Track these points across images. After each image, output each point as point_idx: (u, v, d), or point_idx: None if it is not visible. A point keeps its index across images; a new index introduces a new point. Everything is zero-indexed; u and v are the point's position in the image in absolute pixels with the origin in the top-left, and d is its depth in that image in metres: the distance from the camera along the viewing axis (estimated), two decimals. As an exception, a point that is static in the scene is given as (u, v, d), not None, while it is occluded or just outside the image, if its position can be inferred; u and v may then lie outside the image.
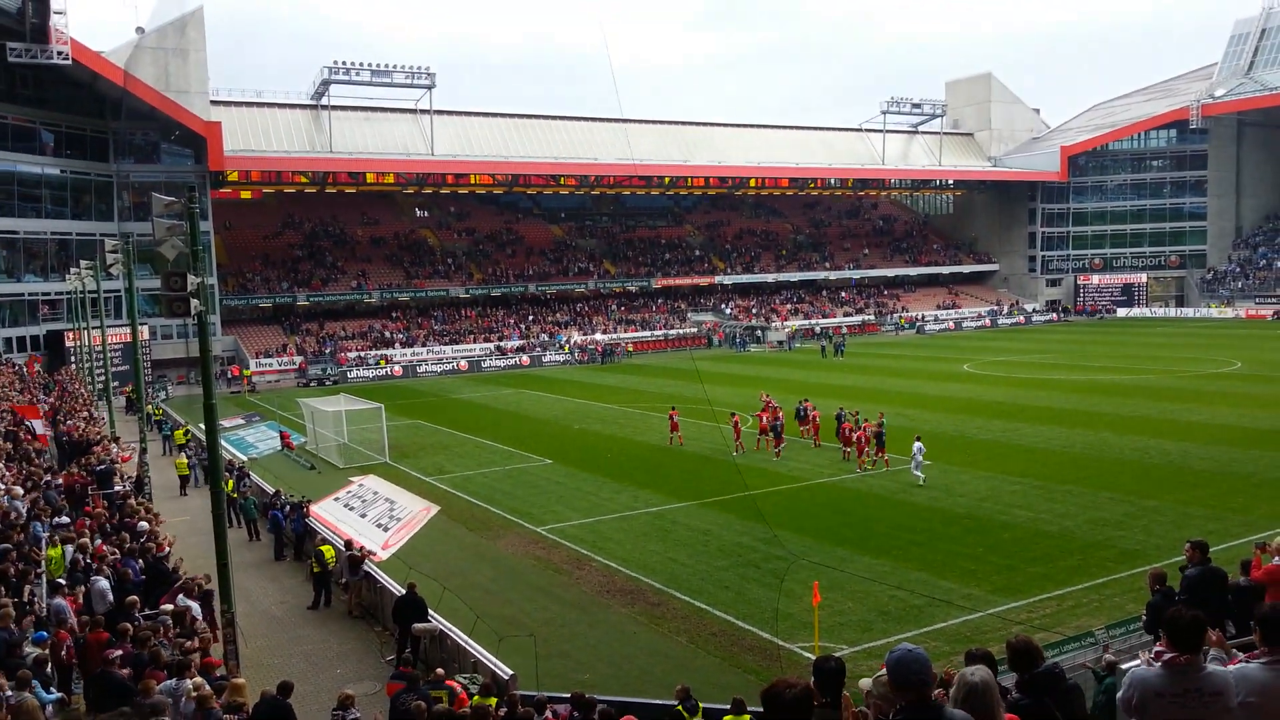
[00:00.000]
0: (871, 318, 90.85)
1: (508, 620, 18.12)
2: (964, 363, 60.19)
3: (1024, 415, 39.02)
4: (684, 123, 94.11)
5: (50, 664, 12.70)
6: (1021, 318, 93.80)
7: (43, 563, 16.77)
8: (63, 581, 15.68)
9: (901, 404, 42.49)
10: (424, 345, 73.87)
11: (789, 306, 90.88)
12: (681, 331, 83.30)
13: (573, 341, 77.05)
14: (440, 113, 79.47)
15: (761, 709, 4.01)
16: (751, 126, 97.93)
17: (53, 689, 12.22)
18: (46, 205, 59.24)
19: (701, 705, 12.40)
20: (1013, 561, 20.64)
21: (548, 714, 12.53)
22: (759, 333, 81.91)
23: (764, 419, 34.15)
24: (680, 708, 12.24)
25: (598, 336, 78.44)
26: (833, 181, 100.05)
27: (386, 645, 17.79)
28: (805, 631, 16.54)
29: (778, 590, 18.80)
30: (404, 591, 17.42)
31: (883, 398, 43.86)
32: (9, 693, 9.85)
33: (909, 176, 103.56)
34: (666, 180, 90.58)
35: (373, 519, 25.70)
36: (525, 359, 73.07)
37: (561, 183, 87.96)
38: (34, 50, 49.89)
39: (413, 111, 79.96)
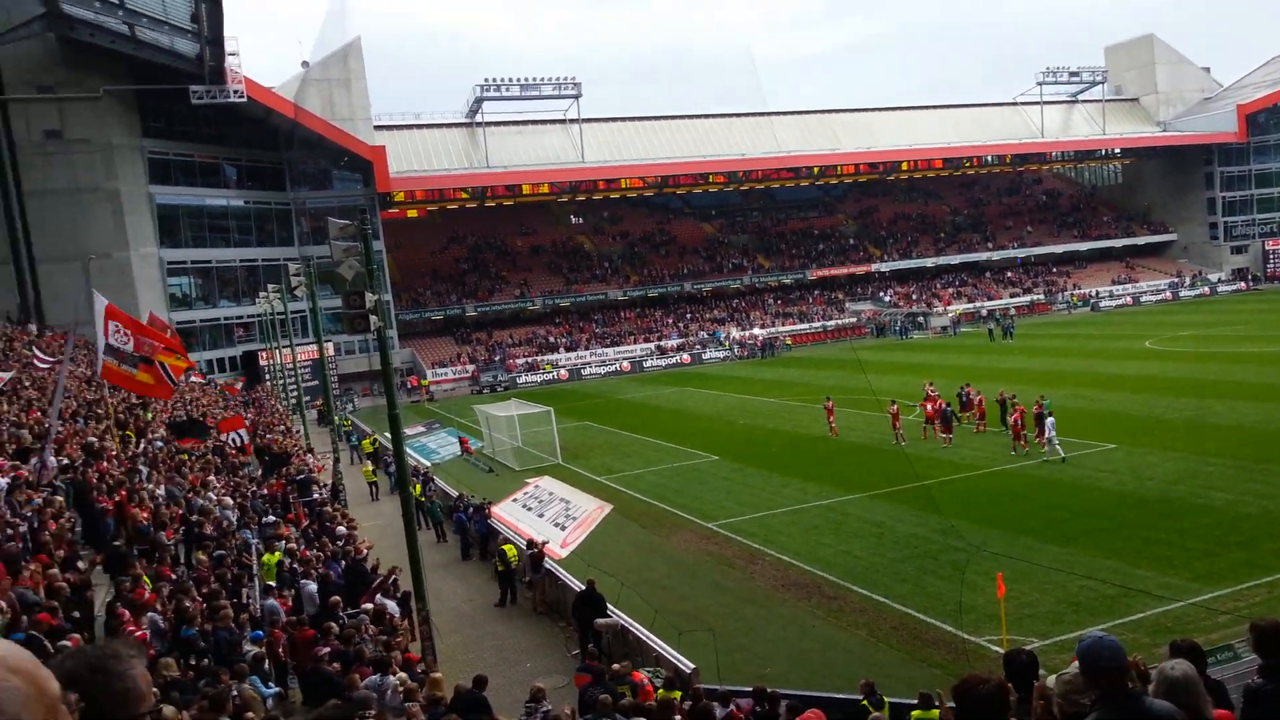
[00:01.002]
0: (1041, 297, 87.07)
1: (685, 615, 18.41)
2: (1145, 339, 56.95)
3: (1216, 391, 36.64)
4: (829, 111, 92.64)
5: (267, 661, 13.80)
6: (1206, 289, 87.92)
7: (254, 567, 18.17)
8: (273, 584, 16.95)
9: (1078, 385, 40.64)
10: (586, 348, 75.49)
11: (951, 290, 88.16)
12: (840, 322, 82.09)
13: (732, 337, 77.12)
14: (588, 120, 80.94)
15: (952, 704, 3.93)
16: (899, 109, 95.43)
17: (270, 684, 13.25)
18: (234, 235, 63.67)
19: (886, 700, 12.32)
20: (1212, 547, 19.49)
21: (731, 707, 12.68)
22: (921, 319, 79.83)
23: (929, 408, 33.38)
24: (865, 702, 12.19)
25: (756, 331, 78.24)
26: (989, 159, 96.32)
27: (571, 640, 18.36)
28: (991, 624, 16.14)
29: (959, 582, 18.39)
30: (583, 588, 17.99)
31: (1057, 380, 42.06)
32: (233, 689, 10.65)
33: (1071, 148, 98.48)
34: (815, 170, 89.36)
35: (550, 518, 26.56)
36: (685, 357, 73.62)
37: (710, 181, 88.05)
38: (213, 91, 53.65)
39: (562, 121, 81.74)
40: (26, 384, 27.34)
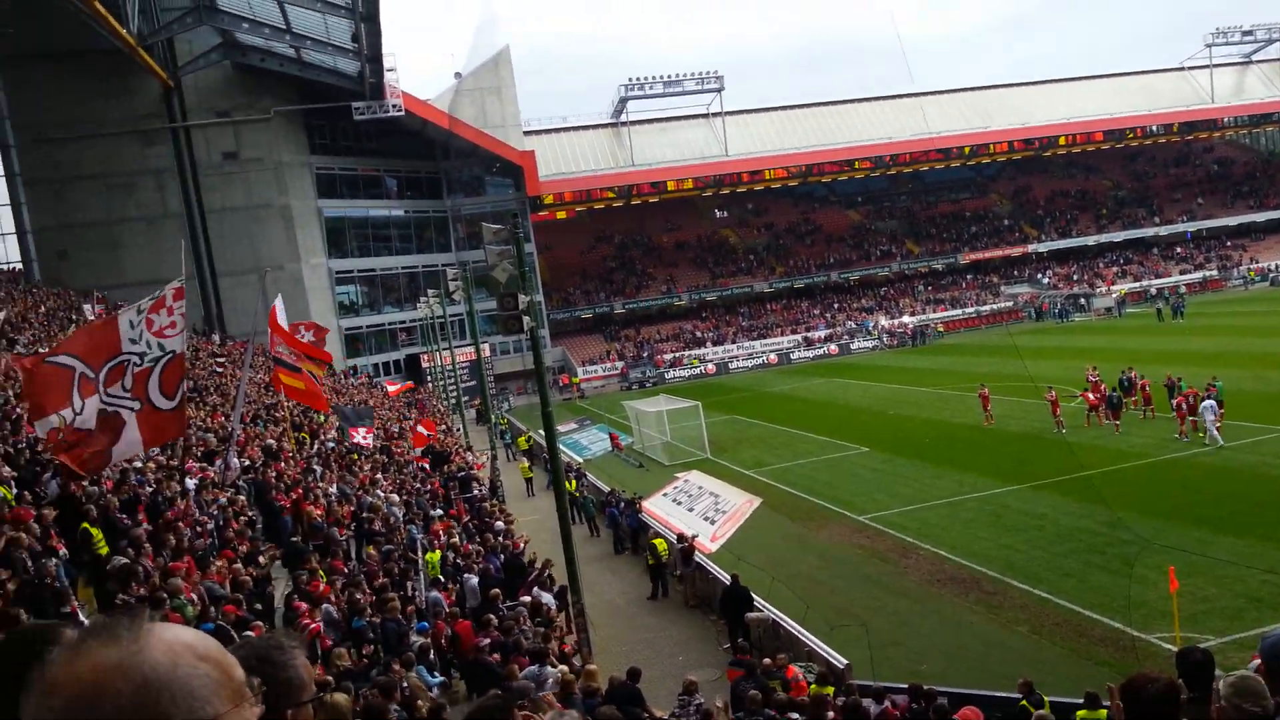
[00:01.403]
0: (1214, 273, 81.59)
1: (837, 609, 18.28)
2: (1337, 315, 52.75)
3: None
4: (979, 88, 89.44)
5: (432, 651, 14.49)
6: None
7: (419, 561, 19.08)
8: (441, 579, 17.77)
9: (1257, 366, 37.94)
10: (733, 342, 75.46)
11: (1115, 269, 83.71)
12: (995, 307, 79.23)
13: (880, 326, 75.61)
14: (731, 113, 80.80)
15: (1121, 704, 3.84)
16: (1054, 82, 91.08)
17: (436, 673, 13.91)
18: (395, 243, 66.67)
19: (1047, 699, 11.96)
20: None
21: (886, 704, 12.57)
22: (1083, 301, 76.21)
23: (1091, 395, 31.92)
24: (1024, 702, 11.88)
25: (905, 319, 76.45)
26: (1154, 129, 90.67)
27: (722, 634, 18.50)
28: (1162, 621, 15.39)
29: (1127, 577, 17.58)
30: (730, 583, 18.12)
31: (1233, 361, 39.37)
32: (402, 678, 11.23)
33: (1246, 112, 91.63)
34: (966, 150, 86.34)
35: (699, 512, 26.76)
36: (833, 348, 72.62)
37: (856, 167, 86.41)
38: (373, 107, 56.25)
39: (705, 116, 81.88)
40: (212, 390, 29.43)
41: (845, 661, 14.75)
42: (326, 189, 61.17)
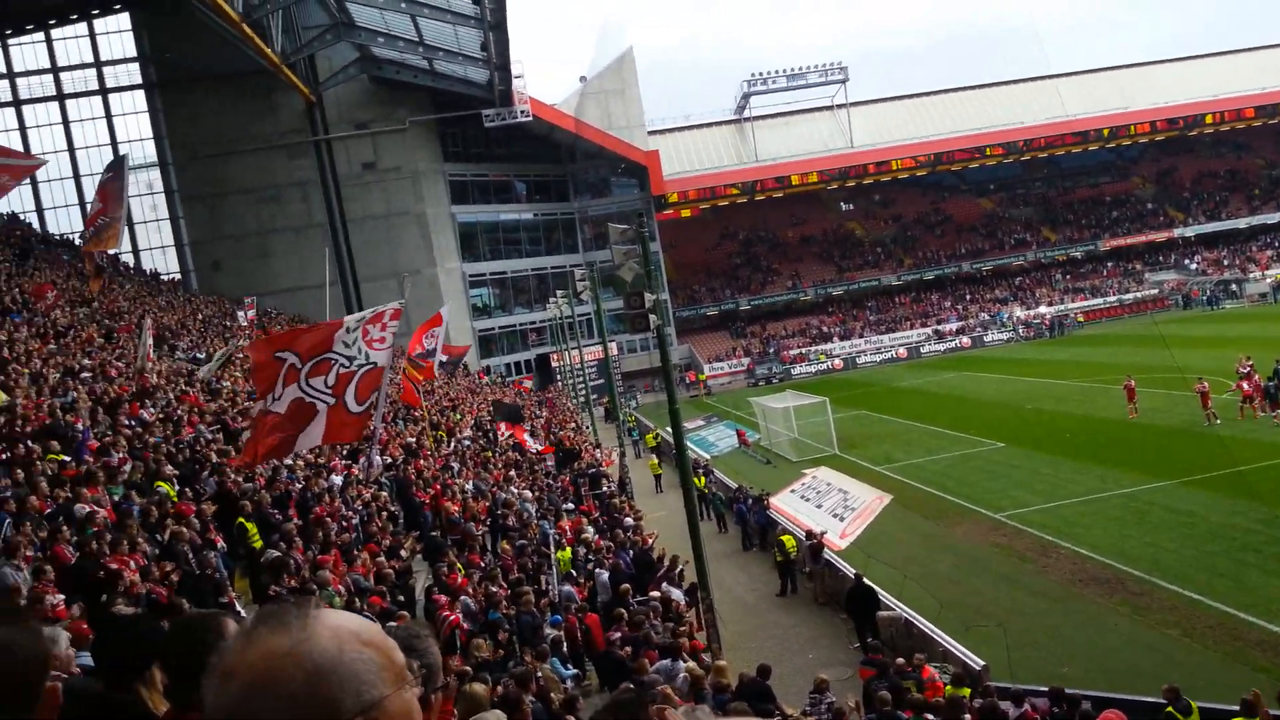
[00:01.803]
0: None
1: (973, 609, 17.87)
2: None
3: None
4: (1118, 67, 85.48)
5: (565, 644, 14.84)
6: None
7: (552, 555, 19.53)
8: (573, 573, 18.16)
9: None
10: (861, 336, 74.30)
11: (1270, 253, 78.59)
12: (1139, 295, 75.57)
13: (1015, 317, 73.15)
14: (856, 104, 79.62)
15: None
16: (1198, 58, 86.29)
17: (569, 665, 14.24)
18: (525, 246, 68.15)
19: (1196, 705, 11.43)
20: None
21: (1025, 707, 12.26)
22: (1234, 286, 71.93)
23: (1245, 385, 30.14)
24: (1170, 708, 11.41)
25: (1042, 310, 73.74)
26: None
27: (853, 632, 18.35)
28: (1326, 625, 14.56)
29: (1286, 577, 16.69)
30: (854, 581, 17.93)
31: None
32: (536, 669, 11.55)
33: None
34: (1105, 132, 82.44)
35: (828, 509, 26.49)
36: (966, 340, 70.67)
37: (988, 153, 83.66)
38: (503, 113, 57.62)
39: (829, 108, 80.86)
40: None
41: (982, 663, 14.43)
42: (459, 195, 63.00)
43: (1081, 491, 25.37)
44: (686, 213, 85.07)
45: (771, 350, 73.51)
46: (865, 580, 17.69)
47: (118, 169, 33.09)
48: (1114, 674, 14.58)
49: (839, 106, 79.78)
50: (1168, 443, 29.08)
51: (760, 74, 76.73)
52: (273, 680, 1.21)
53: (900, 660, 14.40)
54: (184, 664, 2.68)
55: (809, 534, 21.80)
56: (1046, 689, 12.52)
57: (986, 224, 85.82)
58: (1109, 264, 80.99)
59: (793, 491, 28.44)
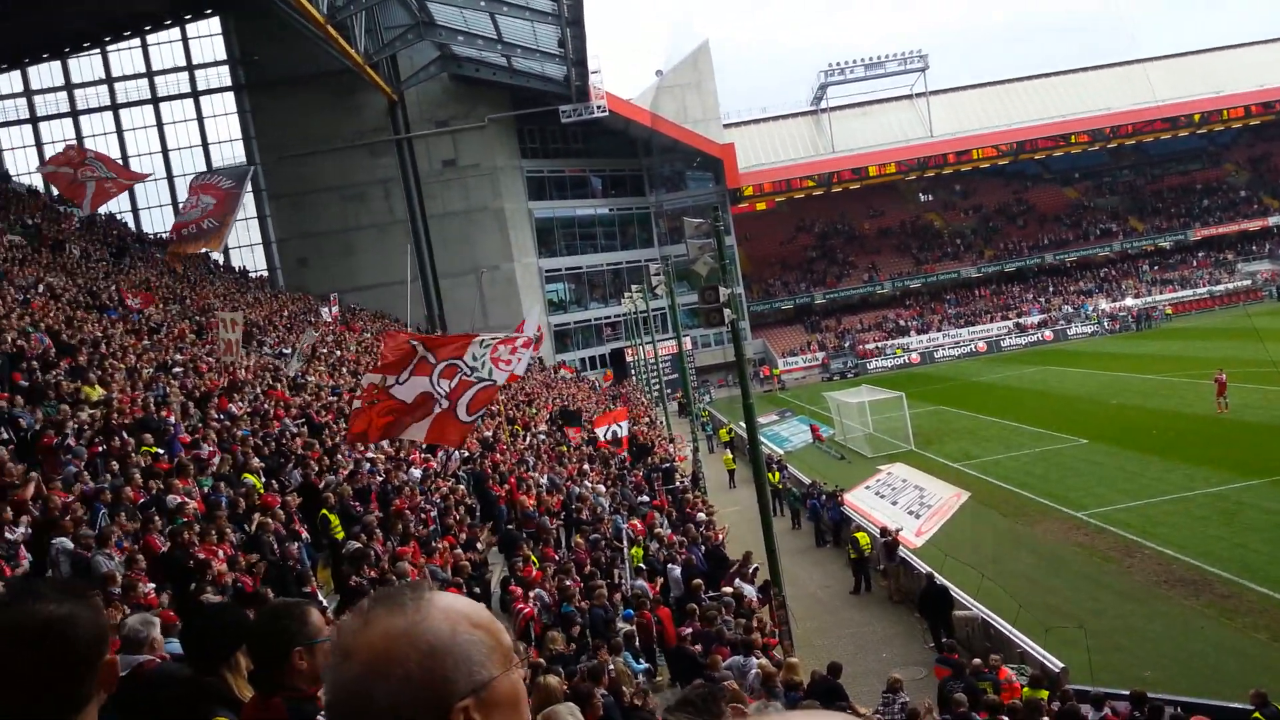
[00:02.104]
0: None
1: (1053, 610, 17.54)
2: None
3: None
4: (1209, 49, 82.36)
5: (638, 638, 14.99)
6: None
7: (625, 550, 19.71)
8: (643, 567, 18.31)
9: None
10: (939, 330, 73.10)
11: (1377, 243, 75.14)
12: (1231, 286, 72.83)
13: (1100, 310, 71.20)
14: (935, 93, 78.30)
15: None
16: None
17: (641, 660, 14.38)
18: (600, 241, 68.55)
19: (1286, 711, 11.15)
20: None
21: (1106, 711, 12.06)
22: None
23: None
24: (1257, 714, 11.11)
25: (1128, 302, 71.62)
26: None
27: (928, 632, 18.17)
28: None
29: (1385, 582, 16.06)
30: (926, 581, 17.73)
31: None
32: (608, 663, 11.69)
33: None
34: (1196, 118, 79.35)
35: (904, 506, 26.25)
36: (1048, 334, 69.08)
37: (1072, 141, 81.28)
38: (579, 109, 58.01)
39: (908, 97, 79.66)
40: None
41: (1061, 665, 14.20)
42: (536, 191, 63.68)
43: (1167, 490, 24.72)
44: (762, 206, 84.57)
45: (847, 344, 72.77)
46: (938, 579, 17.49)
47: (240, 179, 34.62)
48: (1199, 678, 14.26)
49: (918, 95, 78.53)
50: (1260, 440, 28.03)
51: (837, 64, 76.09)
52: (389, 660, 1.27)
53: (977, 661, 14.27)
54: (268, 650, 2.87)
55: (884, 531, 21.65)
56: (1128, 693, 12.32)
57: (1071, 214, 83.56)
58: (1199, 254, 78.20)
59: (867, 488, 28.22)
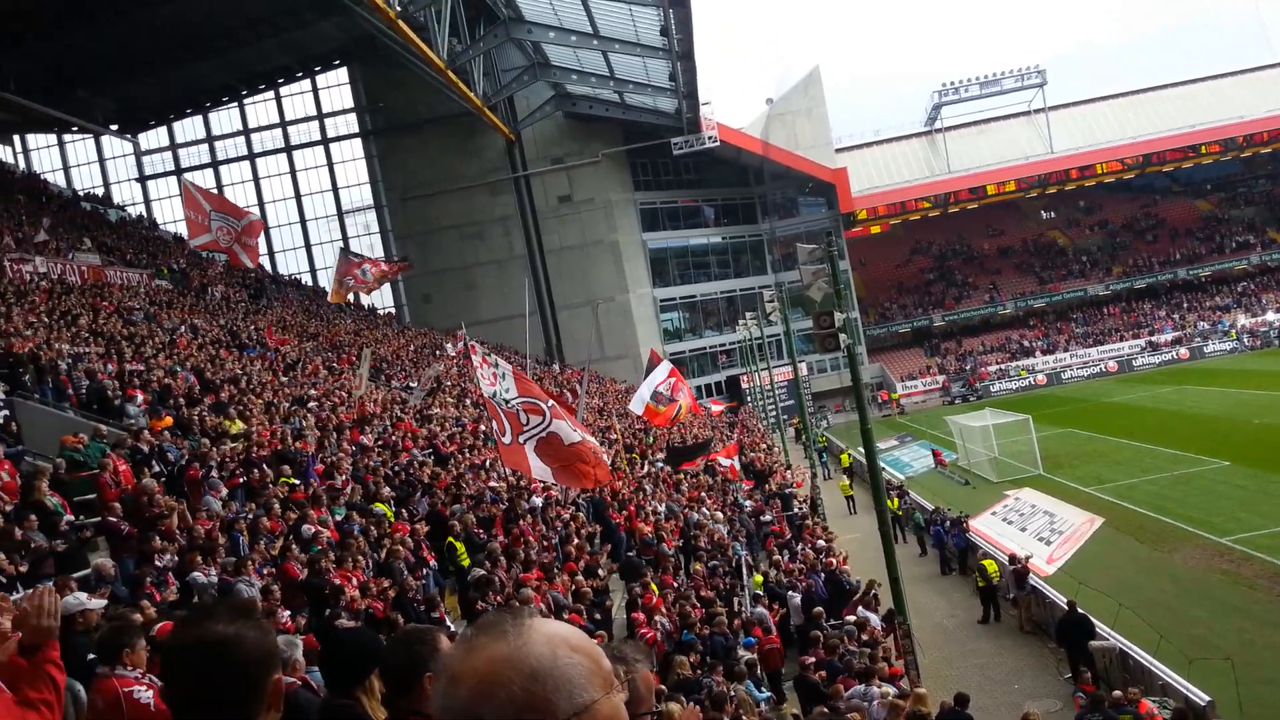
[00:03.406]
0: None
1: (1196, 641, 16.73)
2: None
3: None
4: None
5: (759, 666, 14.96)
6: None
7: (744, 577, 19.70)
8: (762, 594, 18.27)
9: None
10: (1066, 350, 70.65)
11: None
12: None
13: (1240, 325, 67.64)
14: (1055, 108, 76.14)
15: None
16: None
17: (763, 688, 14.34)
18: (713, 269, 68.83)
19: None
20: None
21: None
22: None
23: None
24: None
25: (1270, 316, 67.78)
26: None
27: (1063, 662, 17.55)
28: None
29: None
30: (1066, 610, 17.12)
31: None
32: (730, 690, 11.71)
33: None
34: (1337, 122, 75.09)
35: (1033, 532, 25.53)
36: (1183, 351, 65.95)
37: (1203, 151, 77.66)
38: (691, 140, 58.61)
39: (1026, 114, 77.72)
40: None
41: (1207, 698, 13.54)
42: (650, 222, 64.49)
43: (1321, 515, 23.31)
44: (876, 229, 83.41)
45: (968, 367, 70.95)
46: (1078, 609, 16.86)
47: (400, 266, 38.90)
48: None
49: (1037, 111, 76.47)
50: None
51: (951, 83, 74.79)
52: (494, 683, 1.32)
53: (1117, 693, 13.74)
54: (400, 675, 2.99)
55: (1012, 558, 21.03)
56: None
57: (1204, 227, 79.78)
58: (1350, 265, 73.62)
59: (994, 514, 27.54)
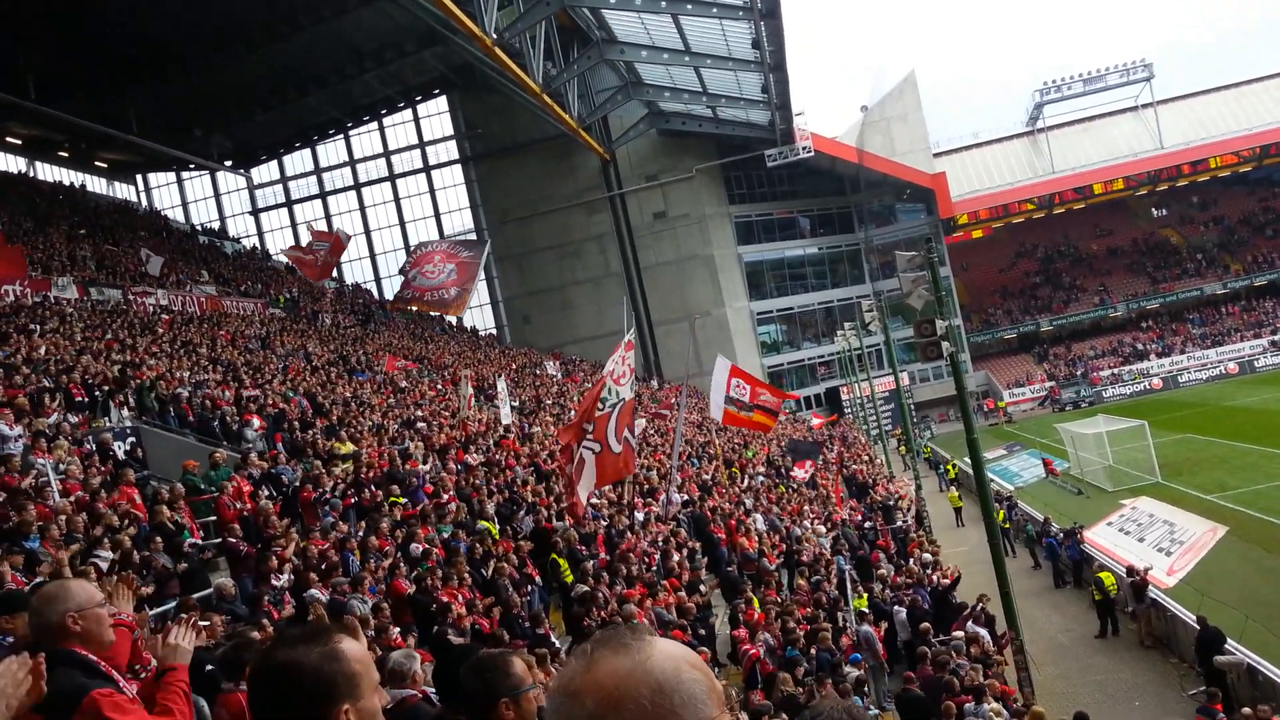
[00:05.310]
0: None
1: (1332, 655, 15.91)
2: None
3: None
4: None
5: (868, 683, 14.78)
6: None
7: (849, 591, 19.46)
8: (866, 611, 18.01)
9: None
10: (1182, 352, 67.85)
11: None
12: None
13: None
14: (1163, 102, 73.43)
15: None
16: None
17: (871, 706, 14.16)
18: (810, 280, 68.25)
19: None
20: None
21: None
22: None
23: None
24: None
25: None
26: None
27: (1186, 678, 16.88)
28: None
29: None
30: (1199, 625, 16.44)
31: None
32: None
33: None
34: None
35: (1151, 543, 24.61)
36: (1312, 350, 62.75)
37: (1326, 140, 74.00)
38: (784, 152, 58.34)
39: (1133, 109, 75.17)
40: (652, 431, 32.16)
41: (1341, 715, 12.88)
42: (745, 236, 64.34)
43: None
44: (978, 233, 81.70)
45: (1079, 372, 68.68)
46: (1209, 624, 16.14)
47: (478, 250, 38.19)
48: None
49: (1144, 106, 73.89)
50: None
51: (1053, 81, 72.91)
52: (622, 697, 1.32)
53: (1246, 711, 13.16)
54: (474, 703, 3.06)
55: (1130, 570, 20.28)
56: None
57: (1331, 218, 75.79)
58: None
59: (1110, 524, 26.64)
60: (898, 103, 68.84)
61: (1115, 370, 67.46)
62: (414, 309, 42.47)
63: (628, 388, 15.45)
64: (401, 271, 43.20)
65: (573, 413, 14.51)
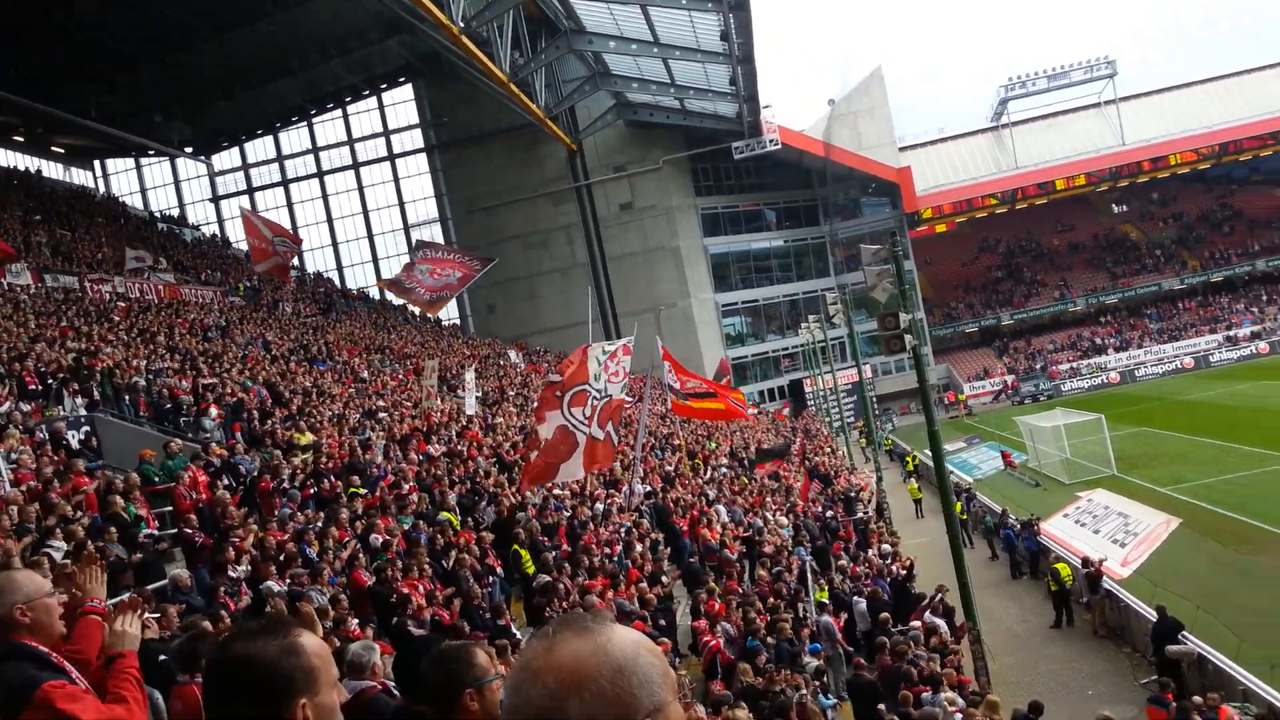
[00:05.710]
0: None
1: None
2: None
3: None
4: None
5: (827, 673, 14.90)
6: None
7: (809, 583, 19.60)
8: (826, 602, 18.14)
9: None
10: (1140, 347, 68.87)
11: None
12: None
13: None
14: (1126, 99, 74.32)
15: None
16: None
17: (830, 695, 14.29)
18: (775, 273, 68.49)
19: None
20: None
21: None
22: None
23: None
24: None
25: (1360, 308, 65.39)
26: None
27: (1139, 668, 17.18)
28: None
29: None
30: (1158, 615, 16.70)
31: None
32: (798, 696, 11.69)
33: None
34: None
35: (1107, 534, 24.98)
36: (1263, 346, 63.81)
37: (1284, 139, 75.34)
38: (752, 144, 58.50)
39: (1096, 105, 76.04)
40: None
41: (1289, 702, 13.17)
42: (711, 227, 64.45)
43: None
44: (942, 228, 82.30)
45: (1038, 366, 69.55)
46: (1167, 614, 16.39)
47: (481, 267, 38.76)
48: None
49: (1107, 103, 74.73)
50: None
51: (1018, 77, 73.52)
52: (582, 678, 1.37)
53: (1197, 699, 13.41)
54: (438, 695, 3.02)
55: (1085, 561, 20.59)
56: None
57: (1285, 216, 77.16)
58: None
59: (1065, 516, 27.01)
60: (864, 97, 69.17)
61: (1074, 364, 68.38)
62: (398, 299, 42.54)
63: (619, 388, 15.49)
64: (410, 261, 42.80)
65: (535, 402, 14.39)
